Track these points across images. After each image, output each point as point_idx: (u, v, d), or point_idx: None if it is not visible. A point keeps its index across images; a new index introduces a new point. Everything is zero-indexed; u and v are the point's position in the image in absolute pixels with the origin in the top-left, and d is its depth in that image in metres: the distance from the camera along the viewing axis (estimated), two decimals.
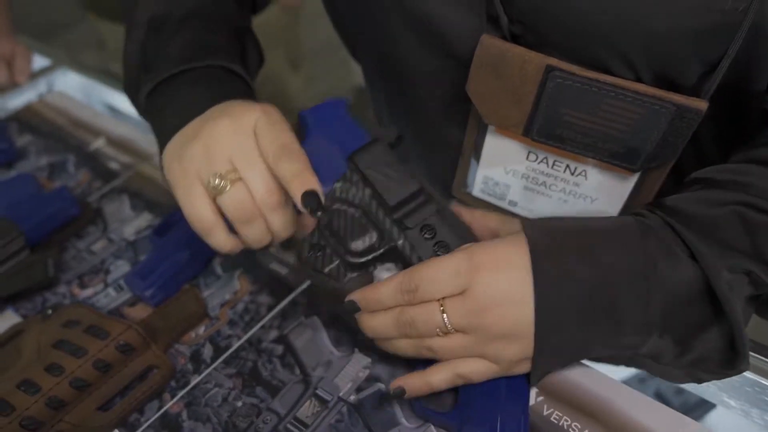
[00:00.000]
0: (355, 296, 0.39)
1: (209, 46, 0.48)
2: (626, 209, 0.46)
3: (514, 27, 0.41)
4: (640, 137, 0.40)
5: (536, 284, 0.35)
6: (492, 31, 0.42)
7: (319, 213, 0.38)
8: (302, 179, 0.38)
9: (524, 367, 0.38)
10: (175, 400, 0.44)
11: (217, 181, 0.39)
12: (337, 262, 0.41)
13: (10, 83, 0.92)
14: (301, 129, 0.51)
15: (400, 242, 0.40)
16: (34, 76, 0.95)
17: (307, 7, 1.23)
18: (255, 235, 0.41)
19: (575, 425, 0.39)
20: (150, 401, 0.45)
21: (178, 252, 0.53)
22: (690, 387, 0.52)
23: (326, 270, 0.41)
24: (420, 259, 0.39)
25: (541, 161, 0.47)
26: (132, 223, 0.62)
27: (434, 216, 0.40)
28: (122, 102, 0.91)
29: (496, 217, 0.45)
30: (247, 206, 0.40)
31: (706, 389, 0.50)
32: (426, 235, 0.40)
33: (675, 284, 0.36)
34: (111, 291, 0.54)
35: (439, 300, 0.37)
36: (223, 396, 0.44)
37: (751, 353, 0.45)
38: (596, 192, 0.47)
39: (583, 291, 0.35)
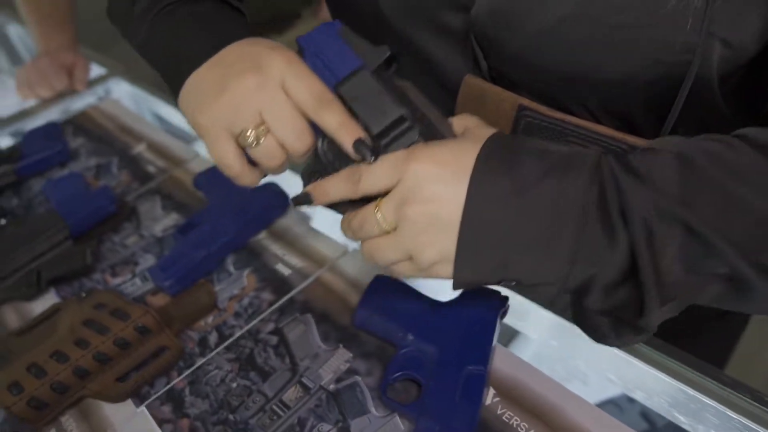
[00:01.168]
0: (309, 188, 0.42)
1: None
2: None
3: (492, 71, 0.46)
4: None
5: (471, 185, 0.35)
6: (476, 72, 0.47)
7: (372, 158, 0.39)
8: (348, 129, 0.41)
9: (444, 270, 0.38)
10: (180, 377, 0.51)
11: (248, 134, 0.41)
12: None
13: (69, 90, 1.03)
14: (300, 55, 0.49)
15: None
16: (91, 84, 1.06)
17: None
18: (280, 169, 0.44)
19: (523, 425, 0.43)
20: (160, 377, 0.51)
21: (196, 250, 0.60)
22: (679, 416, 0.51)
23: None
24: None
25: None
26: (161, 222, 0.69)
27: (417, 142, 0.39)
28: (168, 112, 1.00)
29: (476, 119, 0.42)
30: (278, 155, 0.43)
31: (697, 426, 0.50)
32: None
33: (597, 214, 0.34)
34: (137, 280, 0.62)
35: (376, 200, 0.38)
36: (222, 377, 0.50)
37: (738, 395, 0.46)
38: None
39: (517, 206, 0.35)
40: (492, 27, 0.43)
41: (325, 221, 0.66)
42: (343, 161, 0.41)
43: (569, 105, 0.44)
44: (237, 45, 0.44)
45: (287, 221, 0.66)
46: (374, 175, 0.38)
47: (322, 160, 0.42)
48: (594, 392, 0.57)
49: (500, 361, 0.48)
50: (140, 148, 0.84)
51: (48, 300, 0.61)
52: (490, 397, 0.45)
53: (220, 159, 0.43)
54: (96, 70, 1.10)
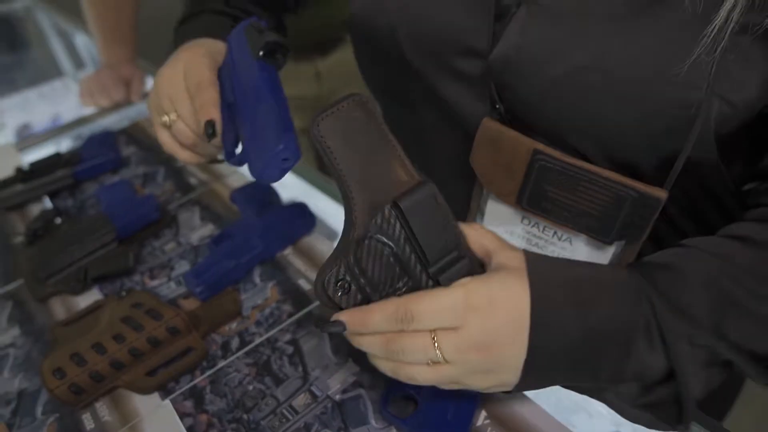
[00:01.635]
0: (345, 317, 0.40)
1: None
2: None
3: (508, 114, 0.50)
4: (610, 216, 0.47)
5: (532, 331, 0.37)
6: (494, 116, 0.51)
7: (213, 137, 0.50)
8: (203, 111, 0.52)
9: (490, 389, 0.41)
10: (203, 376, 0.56)
11: (164, 118, 0.55)
12: (359, 300, 0.40)
13: (126, 101, 1.11)
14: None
15: None
16: (146, 95, 1.14)
17: None
18: (204, 150, 0.56)
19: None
20: (184, 374, 0.57)
21: (226, 260, 0.65)
22: None
23: (345, 307, 0.40)
24: None
25: (534, 225, 0.55)
26: (198, 231, 0.75)
27: (466, 273, 0.39)
28: None
29: (492, 237, 0.43)
30: (189, 135, 0.54)
31: None
32: None
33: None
34: (172, 284, 0.68)
35: (431, 331, 0.38)
36: (240, 380, 0.55)
37: None
38: (580, 256, 0.54)
39: (574, 342, 0.38)
40: (508, 73, 0.47)
41: None
42: (368, 284, 0.39)
43: (582, 150, 0.47)
44: (183, 46, 0.59)
45: (312, 239, 0.71)
46: (431, 318, 0.38)
47: (351, 270, 0.40)
48: (600, 425, 0.59)
49: None
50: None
51: (92, 295, 0.68)
52: (480, 418, 0.49)
53: (159, 139, 0.57)
54: (151, 83, 1.18)
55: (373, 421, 0.50)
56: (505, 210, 0.56)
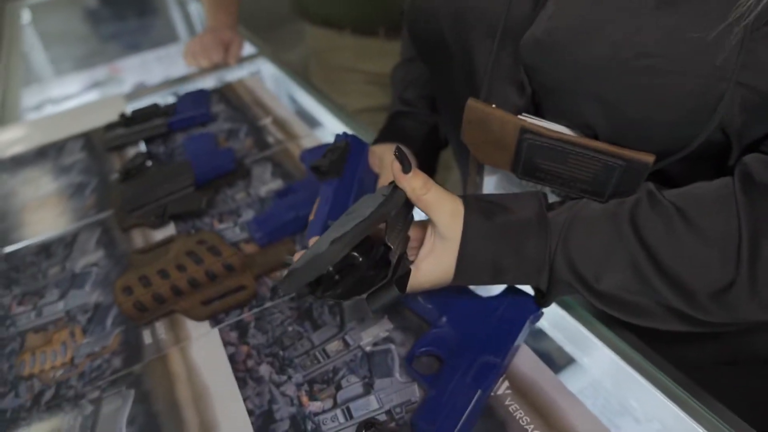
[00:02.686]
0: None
1: None
2: None
3: (535, 96, 0.49)
4: (602, 182, 0.47)
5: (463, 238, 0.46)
6: (519, 98, 0.50)
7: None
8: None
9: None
10: (250, 312, 0.60)
11: None
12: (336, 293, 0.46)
13: (223, 64, 1.18)
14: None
15: None
16: (242, 60, 1.21)
17: None
18: None
19: (526, 419, 0.46)
20: (234, 309, 0.61)
21: (287, 212, 0.69)
22: None
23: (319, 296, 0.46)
24: None
25: (533, 186, 0.55)
26: (268, 185, 0.80)
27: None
28: (301, 96, 1.11)
29: (435, 192, 0.48)
30: None
31: None
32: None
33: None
34: (237, 229, 0.73)
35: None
36: (281, 320, 0.59)
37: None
38: None
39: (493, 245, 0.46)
40: (538, 56, 0.46)
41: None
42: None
43: (600, 130, 0.46)
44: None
45: None
46: None
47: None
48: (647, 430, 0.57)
49: (524, 362, 0.51)
50: (266, 121, 0.96)
51: (168, 231, 0.74)
52: (502, 388, 0.49)
53: None
54: (248, 49, 1.25)
55: (397, 375, 0.51)
56: (503, 174, 0.57)
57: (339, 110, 0.98)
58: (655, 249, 0.43)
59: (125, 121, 0.94)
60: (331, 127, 0.98)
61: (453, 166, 1.35)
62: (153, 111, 0.95)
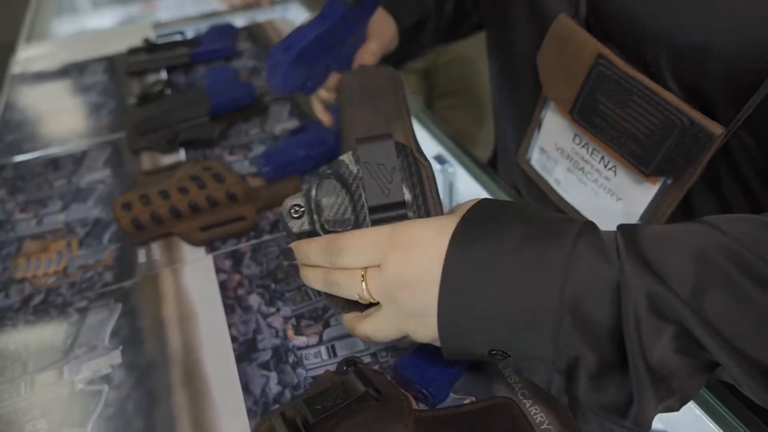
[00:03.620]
0: (293, 245, 0.41)
1: None
2: (644, 218, 0.48)
3: (589, 16, 0.46)
4: (655, 142, 0.43)
5: (444, 268, 0.33)
6: (572, 14, 0.47)
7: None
8: None
9: (436, 340, 0.37)
10: (247, 243, 0.59)
11: None
12: (307, 228, 0.41)
13: (256, 4, 1.16)
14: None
15: None
16: (275, 2, 1.18)
17: None
18: None
19: (514, 377, 0.44)
20: (231, 238, 0.60)
21: (298, 149, 0.67)
22: None
23: (295, 231, 0.41)
24: None
25: (583, 146, 0.51)
26: (283, 124, 0.78)
27: None
28: None
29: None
30: None
31: None
32: None
33: (586, 285, 0.31)
34: (246, 163, 0.71)
35: (361, 268, 0.37)
36: (277, 254, 0.57)
37: None
38: (621, 191, 0.49)
39: (495, 280, 0.32)
40: None
41: None
42: (317, 213, 0.40)
43: (654, 67, 0.42)
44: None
45: None
46: (355, 254, 0.37)
47: (307, 198, 0.41)
48: None
49: None
50: None
51: (177, 157, 0.73)
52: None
53: None
54: None
55: None
56: (560, 124, 0.53)
57: None
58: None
59: (149, 47, 0.93)
60: None
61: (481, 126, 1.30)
62: (177, 40, 0.94)
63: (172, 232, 0.60)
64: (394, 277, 0.35)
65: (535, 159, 0.58)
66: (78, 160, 0.74)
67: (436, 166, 0.69)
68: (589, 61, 0.45)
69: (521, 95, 0.59)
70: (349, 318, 0.41)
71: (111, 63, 0.99)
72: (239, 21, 1.16)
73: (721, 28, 0.37)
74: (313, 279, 0.40)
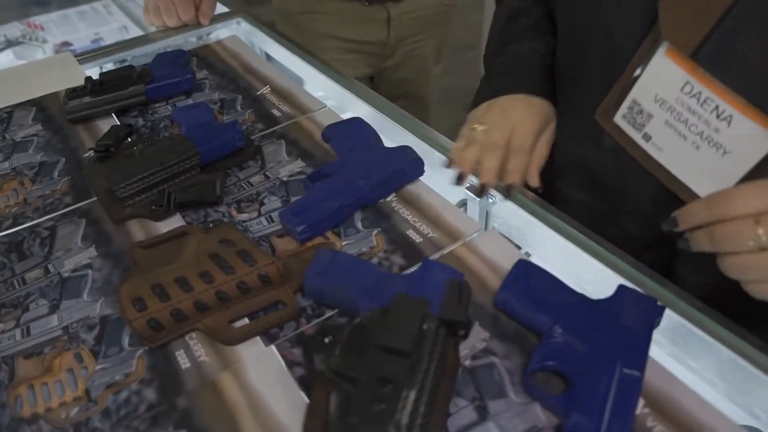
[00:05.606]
0: (677, 212, 0.43)
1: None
2: (752, 175, 0.47)
3: None
4: None
5: None
6: None
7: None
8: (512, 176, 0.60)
9: None
10: (309, 325, 0.50)
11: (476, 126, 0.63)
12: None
13: (194, 23, 1.03)
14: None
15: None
16: (213, 20, 1.05)
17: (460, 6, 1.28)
18: None
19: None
20: (271, 329, 0.50)
21: (329, 200, 0.59)
22: None
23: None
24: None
25: (694, 95, 0.48)
26: (286, 167, 0.69)
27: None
28: (276, 51, 0.98)
29: None
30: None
31: None
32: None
33: None
34: (263, 220, 0.61)
35: (755, 214, 0.38)
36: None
37: None
38: (732, 143, 0.47)
39: None
40: None
41: (455, 194, 0.64)
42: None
43: None
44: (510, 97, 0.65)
45: (417, 188, 0.64)
46: (743, 201, 0.39)
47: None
48: None
49: (650, 372, 0.45)
50: (264, 91, 0.83)
51: (174, 222, 0.62)
52: (639, 407, 0.43)
53: None
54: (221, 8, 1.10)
55: (512, 394, 0.44)
56: (669, 70, 0.50)
57: (342, 78, 0.86)
58: None
59: (92, 87, 0.78)
60: (334, 97, 0.86)
61: None
62: (127, 75, 0.80)
63: (197, 328, 0.50)
64: None
65: (621, 115, 0.55)
66: (45, 240, 0.60)
67: (474, 198, 0.64)
68: None
69: (611, 48, 0.55)
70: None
71: (40, 108, 0.83)
72: (174, 43, 1.02)
73: None
74: (699, 240, 0.42)
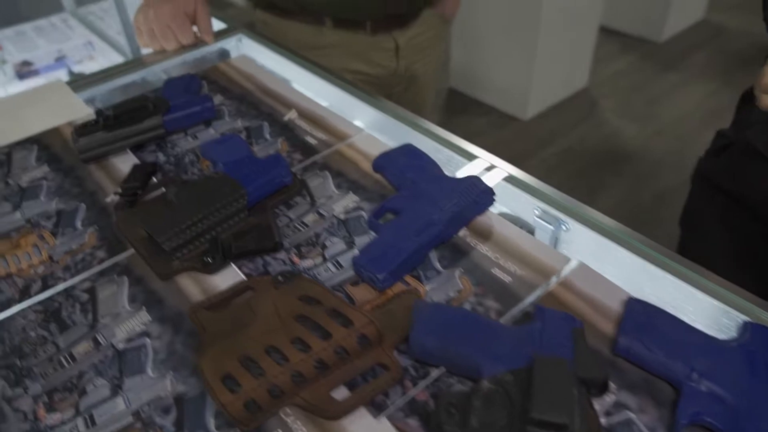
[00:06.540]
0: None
1: None
2: None
3: None
4: None
5: None
6: None
7: None
8: None
9: None
10: (417, 389, 0.46)
11: None
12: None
13: (194, 43, 0.95)
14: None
15: None
16: (217, 36, 0.98)
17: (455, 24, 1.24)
18: None
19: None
20: (375, 397, 0.45)
21: (405, 241, 0.54)
22: None
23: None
24: None
25: None
26: (339, 202, 0.63)
27: None
28: (283, 66, 0.92)
29: None
30: None
31: None
32: None
33: None
34: (330, 266, 0.56)
35: None
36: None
37: None
38: None
39: None
40: None
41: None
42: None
43: None
44: None
45: (487, 219, 0.60)
46: None
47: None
48: None
49: None
50: (292, 116, 0.77)
51: (227, 273, 0.55)
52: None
53: None
54: (217, 24, 1.02)
55: None
56: None
57: (370, 98, 0.81)
58: None
59: (105, 121, 0.70)
60: (361, 118, 0.81)
61: None
62: (142, 106, 0.72)
63: (294, 403, 0.44)
64: None
65: None
66: (86, 304, 0.53)
67: (546, 227, 0.61)
68: None
69: None
70: None
71: (42, 147, 0.74)
72: (173, 64, 0.94)
73: None
74: None
